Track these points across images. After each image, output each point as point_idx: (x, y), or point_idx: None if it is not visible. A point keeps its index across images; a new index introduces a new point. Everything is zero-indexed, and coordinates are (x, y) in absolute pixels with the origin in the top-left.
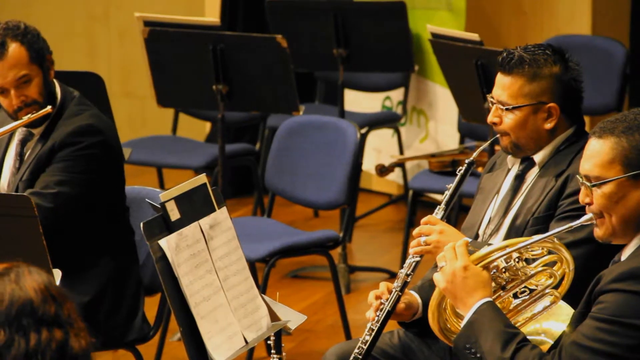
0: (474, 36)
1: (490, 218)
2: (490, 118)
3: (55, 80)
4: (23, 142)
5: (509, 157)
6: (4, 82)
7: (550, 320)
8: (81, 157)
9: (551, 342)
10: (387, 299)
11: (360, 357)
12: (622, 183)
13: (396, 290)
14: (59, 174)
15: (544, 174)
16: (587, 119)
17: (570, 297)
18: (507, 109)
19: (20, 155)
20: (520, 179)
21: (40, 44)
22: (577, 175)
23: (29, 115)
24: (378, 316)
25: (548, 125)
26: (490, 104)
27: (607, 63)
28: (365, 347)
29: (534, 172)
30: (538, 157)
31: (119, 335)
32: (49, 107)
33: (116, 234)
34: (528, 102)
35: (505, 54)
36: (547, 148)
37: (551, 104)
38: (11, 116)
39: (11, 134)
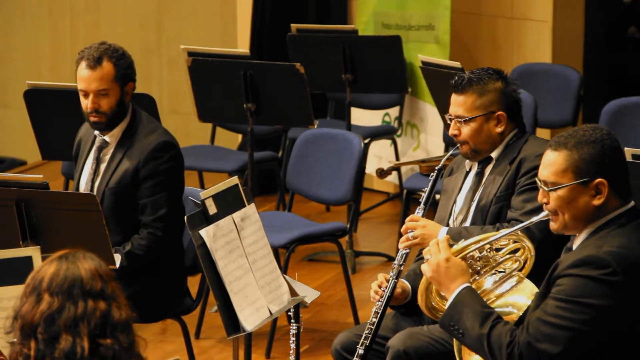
0: (457, 64)
1: (456, 214)
2: (451, 131)
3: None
4: (100, 149)
5: (467, 160)
6: (88, 87)
7: (516, 295)
8: (165, 170)
9: (518, 313)
10: (386, 287)
11: (370, 335)
12: (574, 188)
13: (392, 279)
14: (154, 197)
15: (499, 164)
16: (548, 132)
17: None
18: (465, 121)
19: (97, 160)
20: (480, 175)
21: (128, 72)
22: (536, 178)
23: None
24: (381, 301)
25: (499, 130)
26: (448, 121)
27: (564, 86)
28: (373, 328)
29: (491, 166)
30: (494, 154)
31: (168, 307)
32: None
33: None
34: (481, 112)
35: (456, 78)
36: (500, 146)
37: (499, 112)
38: (86, 117)
39: (92, 142)
